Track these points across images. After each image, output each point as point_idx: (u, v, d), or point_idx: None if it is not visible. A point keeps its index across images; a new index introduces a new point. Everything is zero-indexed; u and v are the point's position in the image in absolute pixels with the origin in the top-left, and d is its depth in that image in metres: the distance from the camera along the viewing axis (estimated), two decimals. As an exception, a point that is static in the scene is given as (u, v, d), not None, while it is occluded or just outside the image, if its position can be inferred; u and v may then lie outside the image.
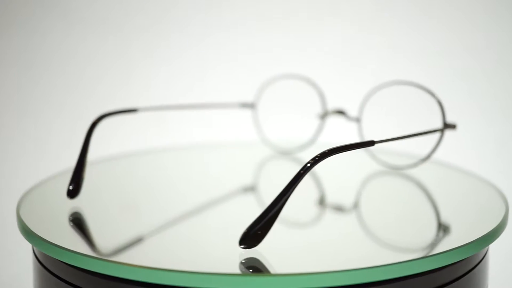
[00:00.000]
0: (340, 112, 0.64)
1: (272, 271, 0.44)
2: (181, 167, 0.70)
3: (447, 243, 0.48)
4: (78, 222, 0.54)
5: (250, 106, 0.70)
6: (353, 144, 0.47)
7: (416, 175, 0.61)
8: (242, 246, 0.45)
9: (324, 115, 0.66)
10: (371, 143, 0.49)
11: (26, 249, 0.64)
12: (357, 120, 0.61)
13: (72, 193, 0.56)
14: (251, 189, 0.63)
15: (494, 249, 0.58)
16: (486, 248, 0.50)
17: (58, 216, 0.54)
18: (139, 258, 0.46)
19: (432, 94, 0.56)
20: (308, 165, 0.45)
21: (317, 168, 0.61)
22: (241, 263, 0.44)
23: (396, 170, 0.61)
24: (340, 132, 0.69)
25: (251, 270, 0.43)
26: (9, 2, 1.04)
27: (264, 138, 0.69)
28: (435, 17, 1.02)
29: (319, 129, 0.66)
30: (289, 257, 0.47)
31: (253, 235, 0.44)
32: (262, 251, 0.45)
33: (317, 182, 0.63)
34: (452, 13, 1.01)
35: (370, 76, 0.99)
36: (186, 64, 1.05)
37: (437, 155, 0.60)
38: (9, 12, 1.04)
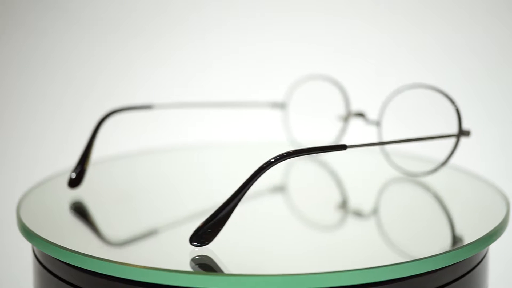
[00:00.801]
0: (360, 115, 0.63)
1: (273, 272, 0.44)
2: (204, 166, 0.69)
3: (447, 244, 0.49)
4: (77, 222, 0.54)
5: (280, 106, 0.69)
6: (314, 147, 0.47)
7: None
8: (194, 244, 0.45)
9: (345, 118, 0.65)
10: (342, 146, 0.48)
11: (26, 248, 0.64)
12: (377, 123, 0.61)
13: (73, 182, 0.56)
14: (280, 189, 0.63)
15: (494, 249, 0.58)
16: (486, 248, 0.50)
17: (58, 215, 0.54)
18: (140, 258, 0.46)
19: (450, 99, 0.57)
20: (265, 166, 0.45)
21: (340, 168, 0.61)
22: (192, 260, 0.44)
23: (411, 177, 0.60)
24: (365, 133, 0.69)
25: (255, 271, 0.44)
26: (10, 2, 1.04)
27: (291, 139, 0.69)
28: (440, 15, 1.02)
29: (342, 131, 0.66)
30: (290, 259, 0.47)
31: (203, 234, 0.45)
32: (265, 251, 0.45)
33: (337, 183, 0.64)
34: (459, 11, 1.01)
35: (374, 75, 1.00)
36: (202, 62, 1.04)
37: (439, 155, 0.60)
38: (10, 12, 1.04)
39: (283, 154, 0.45)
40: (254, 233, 0.51)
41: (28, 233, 0.49)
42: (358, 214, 0.56)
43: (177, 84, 1.05)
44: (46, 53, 1.05)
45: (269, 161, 0.45)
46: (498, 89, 1.00)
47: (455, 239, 0.50)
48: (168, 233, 0.51)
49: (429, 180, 0.61)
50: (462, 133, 0.56)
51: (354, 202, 0.59)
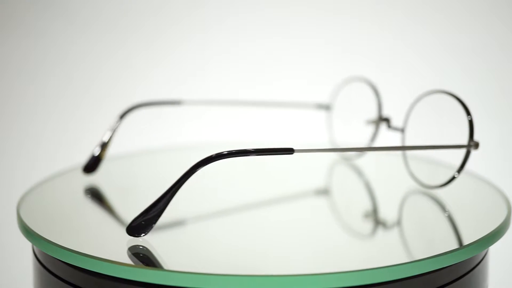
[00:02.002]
0: (385, 120, 0.63)
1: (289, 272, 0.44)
2: (244, 167, 0.68)
3: (448, 244, 0.49)
4: (78, 221, 0.54)
5: (326, 107, 0.69)
6: (251, 150, 0.47)
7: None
8: (129, 234, 0.47)
9: (372, 122, 0.64)
10: (290, 150, 0.48)
11: (26, 248, 0.64)
12: (402, 130, 0.60)
13: (88, 168, 0.57)
14: (322, 192, 0.63)
15: (494, 249, 0.58)
16: (486, 249, 0.50)
17: (58, 215, 0.54)
18: (140, 258, 0.46)
19: (466, 109, 0.57)
20: (200, 163, 0.46)
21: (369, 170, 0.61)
22: (127, 252, 0.45)
23: (425, 188, 0.60)
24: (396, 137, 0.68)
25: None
26: (11, 2, 1.04)
27: (332, 140, 0.68)
28: (442, 15, 1.02)
29: (374, 135, 0.65)
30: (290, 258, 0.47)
31: (137, 226, 0.47)
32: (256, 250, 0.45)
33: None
34: (455, 12, 1.01)
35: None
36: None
37: (440, 156, 0.60)
38: (10, 12, 1.04)
39: (221, 153, 0.46)
40: (270, 235, 0.52)
41: (28, 233, 0.49)
42: (357, 214, 0.56)
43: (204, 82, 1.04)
44: (46, 53, 1.05)
45: (205, 159, 0.46)
46: (499, 88, 1.00)
47: (456, 240, 0.50)
48: (168, 232, 0.51)
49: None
50: (470, 145, 0.56)
51: (355, 202, 0.60)
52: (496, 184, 0.59)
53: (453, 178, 0.55)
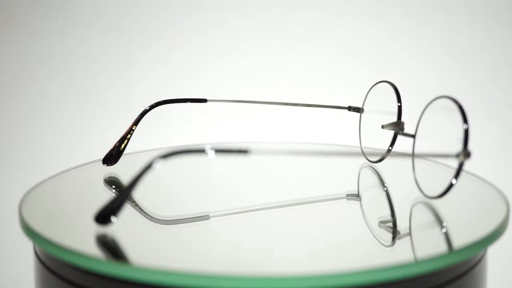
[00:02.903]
0: (399, 125, 0.62)
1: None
2: (274, 168, 0.69)
3: (447, 244, 0.49)
4: (79, 221, 0.54)
5: (358, 110, 0.68)
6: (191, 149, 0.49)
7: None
8: (97, 223, 0.48)
9: (385, 127, 0.64)
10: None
11: (27, 247, 0.64)
12: (413, 136, 0.59)
13: (108, 160, 0.59)
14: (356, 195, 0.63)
15: (493, 249, 0.58)
16: (485, 249, 0.50)
17: (59, 214, 0.54)
18: (140, 258, 0.47)
19: (464, 117, 0.56)
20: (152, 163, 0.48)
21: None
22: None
23: (421, 198, 0.60)
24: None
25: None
26: (13, 2, 1.04)
27: (362, 144, 0.67)
28: (434, 16, 1.02)
29: (394, 140, 0.64)
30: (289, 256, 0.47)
31: (101, 216, 0.49)
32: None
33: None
34: (452, 12, 1.01)
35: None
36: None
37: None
38: (11, 13, 1.04)
39: (172, 151, 0.48)
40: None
41: (29, 232, 0.49)
42: (356, 214, 0.56)
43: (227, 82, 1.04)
44: (47, 54, 1.05)
45: (156, 158, 0.48)
46: (498, 89, 1.00)
47: (455, 240, 0.50)
48: (168, 232, 0.51)
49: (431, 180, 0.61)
50: (460, 155, 0.54)
51: (353, 202, 0.60)
52: (496, 184, 0.59)
53: (451, 186, 0.55)
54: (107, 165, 0.62)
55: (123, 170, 0.62)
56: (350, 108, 0.68)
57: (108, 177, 0.61)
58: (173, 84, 1.03)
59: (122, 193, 0.48)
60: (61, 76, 1.05)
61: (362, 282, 0.43)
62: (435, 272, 0.45)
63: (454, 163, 0.55)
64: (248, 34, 1.04)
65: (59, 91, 1.05)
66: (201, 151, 0.48)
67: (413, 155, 0.56)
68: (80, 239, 0.50)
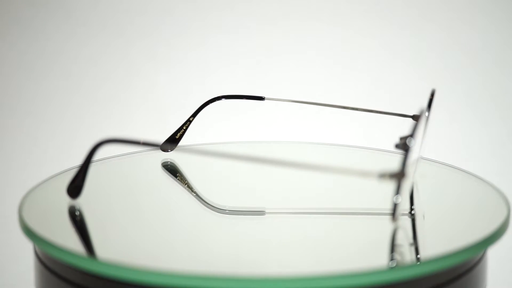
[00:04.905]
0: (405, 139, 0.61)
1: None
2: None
3: (448, 245, 0.49)
4: (79, 222, 0.54)
5: (415, 118, 0.65)
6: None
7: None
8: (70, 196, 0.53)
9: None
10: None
11: (27, 248, 0.64)
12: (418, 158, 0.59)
13: (166, 147, 0.64)
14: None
15: (493, 249, 0.58)
16: (485, 249, 0.50)
17: (59, 215, 0.54)
18: (140, 258, 0.47)
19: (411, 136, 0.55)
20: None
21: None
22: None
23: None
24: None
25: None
26: (14, 2, 1.04)
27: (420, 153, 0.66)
28: (431, 18, 1.02)
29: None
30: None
31: (70, 191, 0.54)
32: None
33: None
34: (449, 13, 1.01)
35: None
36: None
37: (441, 156, 0.60)
38: (12, 14, 1.04)
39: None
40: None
41: (29, 233, 0.49)
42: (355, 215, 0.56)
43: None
44: (49, 55, 1.05)
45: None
46: (498, 89, 1.00)
47: (455, 240, 0.50)
48: (167, 232, 0.51)
49: (428, 180, 0.61)
50: (390, 175, 0.52)
51: (351, 202, 0.60)
52: (496, 184, 0.59)
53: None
54: (164, 151, 0.66)
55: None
56: (414, 117, 0.64)
57: (168, 162, 0.64)
58: (229, 80, 1.04)
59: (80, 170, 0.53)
60: (63, 76, 1.05)
61: (363, 283, 0.43)
62: (434, 273, 0.45)
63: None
64: (316, 38, 1.04)
65: (56, 90, 1.05)
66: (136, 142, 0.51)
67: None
68: (80, 239, 0.50)
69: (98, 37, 1.05)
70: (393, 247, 0.49)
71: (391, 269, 0.43)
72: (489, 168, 0.93)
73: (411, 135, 0.49)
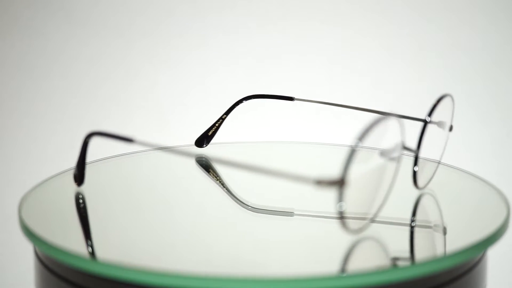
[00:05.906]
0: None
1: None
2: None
3: (447, 245, 0.49)
4: (79, 222, 0.54)
5: (442, 125, 0.65)
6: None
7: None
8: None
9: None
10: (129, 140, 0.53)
11: (27, 248, 0.64)
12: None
13: (200, 142, 0.65)
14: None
15: (493, 249, 0.58)
16: (485, 249, 0.50)
17: (59, 216, 0.54)
18: (141, 258, 0.47)
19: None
20: None
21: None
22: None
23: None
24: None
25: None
26: (15, 3, 1.04)
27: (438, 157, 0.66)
28: (431, 18, 1.02)
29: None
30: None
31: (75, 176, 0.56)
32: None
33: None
34: (449, 13, 1.01)
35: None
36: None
37: (439, 157, 0.60)
38: (13, 14, 1.04)
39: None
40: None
41: (29, 234, 0.49)
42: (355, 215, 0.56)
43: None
44: (49, 55, 1.05)
45: None
46: (499, 89, 1.00)
47: (454, 241, 0.50)
48: (168, 232, 0.51)
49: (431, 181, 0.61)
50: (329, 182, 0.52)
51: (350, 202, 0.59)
52: (496, 184, 0.59)
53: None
54: (199, 147, 0.66)
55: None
56: (439, 124, 0.65)
57: (200, 159, 0.65)
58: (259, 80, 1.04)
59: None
60: (61, 75, 1.05)
61: (363, 284, 0.43)
62: (433, 273, 0.45)
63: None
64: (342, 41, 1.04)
65: (56, 91, 1.05)
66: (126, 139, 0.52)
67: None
68: (80, 239, 0.50)
69: (98, 37, 1.05)
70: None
71: (390, 271, 0.43)
72: (489, 168, 0.93)
73: (359, 138, 0.48)
